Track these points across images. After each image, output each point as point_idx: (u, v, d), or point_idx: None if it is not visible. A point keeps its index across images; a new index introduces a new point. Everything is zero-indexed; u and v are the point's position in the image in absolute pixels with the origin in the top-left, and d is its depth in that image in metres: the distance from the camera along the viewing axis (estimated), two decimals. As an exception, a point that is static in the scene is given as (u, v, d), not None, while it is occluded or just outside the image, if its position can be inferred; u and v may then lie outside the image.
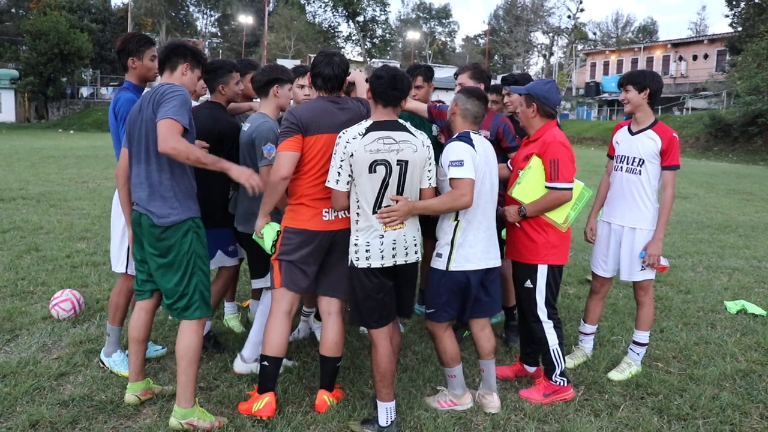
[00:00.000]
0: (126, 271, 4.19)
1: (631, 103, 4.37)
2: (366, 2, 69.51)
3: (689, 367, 4.67)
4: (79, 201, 11.33)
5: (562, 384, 4.07)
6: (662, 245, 4.33)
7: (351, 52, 73.75)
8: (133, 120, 3.56)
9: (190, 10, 70.72)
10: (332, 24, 72.73)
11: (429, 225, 4.13)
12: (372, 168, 3.44)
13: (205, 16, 72.48)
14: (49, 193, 12.06)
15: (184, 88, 3.47)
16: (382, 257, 3.53)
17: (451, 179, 3.61)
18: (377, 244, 3.51)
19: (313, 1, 71.06)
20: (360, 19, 69.96)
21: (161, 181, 3.47)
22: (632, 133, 4.42)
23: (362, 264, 3.53)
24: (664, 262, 4.36)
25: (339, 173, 3.47)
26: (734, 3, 40.55)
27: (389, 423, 3.60)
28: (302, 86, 4.62)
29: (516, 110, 4.86)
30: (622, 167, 4.44)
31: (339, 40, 73.57)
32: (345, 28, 74.03)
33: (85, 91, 52.91)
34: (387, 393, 3.63)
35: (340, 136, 3.52)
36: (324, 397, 3.83)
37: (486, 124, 4.63)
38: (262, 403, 3.70)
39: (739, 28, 40.18)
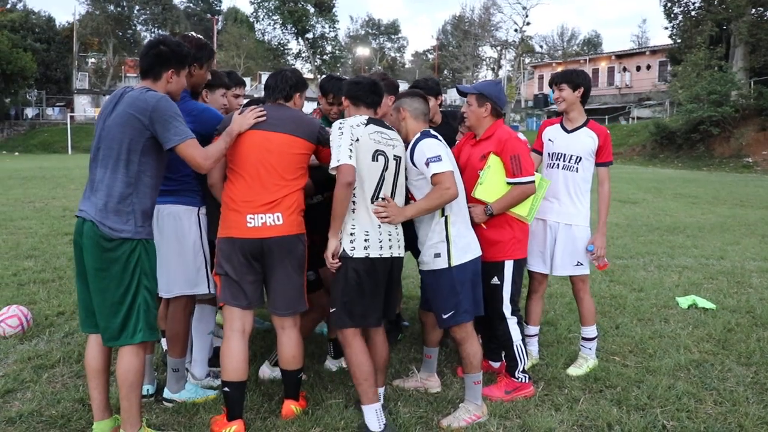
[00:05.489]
0: (209, 290, 3.88)
1: (566, 101, 4.43)
2: (315, 19, 69.57)
3: (645, 359, 4.75)
4: (26, 220, 11.00)
5: (523, 380, 4.08)
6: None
7: (301, 69, 73.48)
8: (104, 120, 3.26)
9: (138, 29, 69.54)
10: (282, 41, 72.26)
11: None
12: (375, 156, 3.50)
13: (153, 35, 71.43)
14: (-8, 213, 11.67)
15: (170, 101, 3.26)
16: (381, 247, 3.50)
17: (433, 175, 3.54)
18: (376, 234, 3.49)
19: (262, 19, 70.73)
20: (309, 36, 69.90)
21: (123, 194, 3.17)
22: (567, 131, 4.48)
23: (359, 254, 3.45)
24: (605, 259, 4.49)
25: (351, 150, 3.40)
26: (672, 16, 41.84)
27: (382, 427, 3.47)
28: (237, 95, 4.64)
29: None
30: (558, 164, 4.46)
31: (289, 58, 73.29)
32: (294, 45, 73.73)
33: (30, 112, 51.70)
34: (373, 393, 3.52)
35: (341, 123, 3.52)
36: (291, 407, 3.75)
37: None
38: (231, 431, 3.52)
39: (678, 40, 41.39)
